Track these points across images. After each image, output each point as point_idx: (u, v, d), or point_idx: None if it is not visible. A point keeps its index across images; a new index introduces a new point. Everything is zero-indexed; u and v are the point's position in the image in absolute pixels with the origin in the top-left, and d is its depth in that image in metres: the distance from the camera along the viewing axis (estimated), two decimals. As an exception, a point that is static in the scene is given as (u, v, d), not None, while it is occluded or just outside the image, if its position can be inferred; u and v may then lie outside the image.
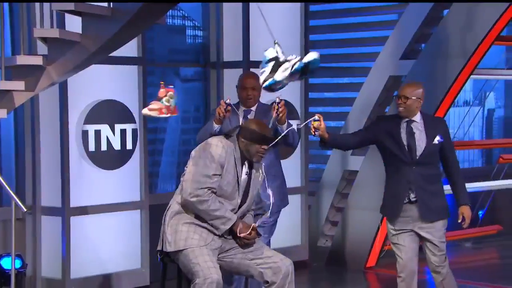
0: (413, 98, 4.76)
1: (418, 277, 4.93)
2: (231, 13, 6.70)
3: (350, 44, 8.19)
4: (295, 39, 6.97)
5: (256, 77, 4.85)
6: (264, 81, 4.22)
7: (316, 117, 4.69)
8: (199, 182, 4.18)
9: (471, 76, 6.97)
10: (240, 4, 6.62)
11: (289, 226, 6.74)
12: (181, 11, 6.98)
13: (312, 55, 4.23)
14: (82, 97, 5.79)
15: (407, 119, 4.83)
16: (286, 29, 6.91)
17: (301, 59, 4.17)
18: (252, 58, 6.64)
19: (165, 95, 4.30)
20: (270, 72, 4.17)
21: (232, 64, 6.68)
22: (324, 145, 4.80)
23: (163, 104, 4.29)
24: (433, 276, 4.97)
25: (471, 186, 7.95)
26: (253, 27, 6.64)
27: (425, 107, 6.86)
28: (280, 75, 4.16)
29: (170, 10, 6.59)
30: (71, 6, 4.28)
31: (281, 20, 6.87)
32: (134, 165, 6.11)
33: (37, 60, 4.42)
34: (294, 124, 4.82)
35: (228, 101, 4.73)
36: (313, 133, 4.69)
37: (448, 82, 6.82)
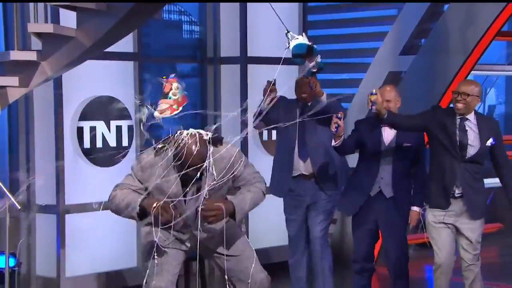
0: (473, 95, 4.83)
1: (419, 276, 4.99)
2: (228, 8, 6.69)
3: (349, 39, 8.18)
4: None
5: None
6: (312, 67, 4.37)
7: (374, 91, 4.72)
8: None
9: (472, 72, 6.96)
10: (237, -1, 6.61)
11: (274, 227, 6.70)
12: (177, 6, 6.97)
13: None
14: (77, 93, 5.78)
15: (461, 116, 4.89)
16: (285, 24, 6.89)
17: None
18: (249, 54, 6.64)
19: (170, 89, 4.23)
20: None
21: (230, 60, 6.67)
22: (380, 121, 4.85)
23: (171, 100, 4.22)
24: (463, 275, 5.03)
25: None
26: (251, 22, 6.63)
27: (425, 103, 6.89)
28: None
29: (167, 5, 6.58)
30: (66, 0, 4.27)
31: (279, 15, 6.85)
32: (130, 162, 6.08)
33: (31, 56, 4.40)
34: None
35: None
36: (369, 107, 4.74)
37: (449, 78, 6.82)
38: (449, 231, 4.92)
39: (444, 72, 6.85)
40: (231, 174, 3.92)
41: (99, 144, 5.87)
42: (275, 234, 6.57)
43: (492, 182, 8.09)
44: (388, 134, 5.07)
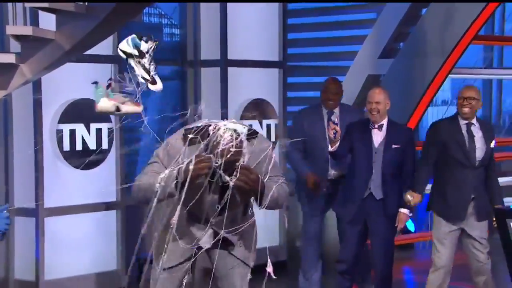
0: (477, 99, 4.98)
1: (400, 277, 5.06)
2: (208, 11, 6.68)
3: (328, 43, 8.21)
4: (273, 37, 6.97)
5: (339, 84, 5.43)
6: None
7: (335, 121, 4.97)
8: None
9: (449, 75, 7.02)
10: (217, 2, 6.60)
11: (267, 227, 6.72)
12: (157, 9, 6.95)
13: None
14: (57, 96, 5.74)
15: (467, 122, 5.00)
16: (264, 27, 6.91)
17: (148, 81, 3.97)
18: (230, 56, 6.63)
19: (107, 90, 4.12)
20: (128, 52, 4.01)
21: (210, 63, 6.66)
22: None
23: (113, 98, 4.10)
24: (476, 275, 5.16)
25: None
26: (231, 25, 6.62)
27: (404, 106, 6.94)
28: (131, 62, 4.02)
29: (147, 8, 6.55)
30: (45, 3, 4.24)
31: (259, 18, 6.87)
32: (110, 165, 6.07)
33: (10, 58, 4.36)
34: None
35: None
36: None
37: (427, 81, 6.87)
38: (456, 234, 5.05)
39: (422, 76, 6.90)
40: (264, 172, 3.55)
41: (78, 147, 5.84)
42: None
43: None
44: (378, 136, 5.10)
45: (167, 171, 3.43)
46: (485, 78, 8.59)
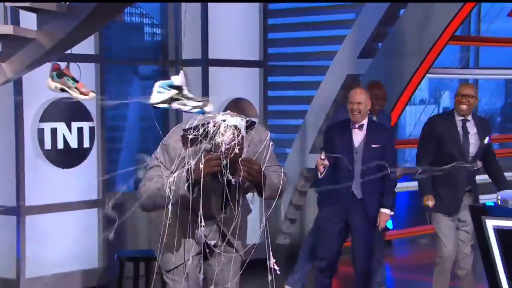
0: (475, 96, 5.08)
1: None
2: (189, 10, 6.66)
3: (308, 42, 8.21)
4: (254, 37, 6.97)
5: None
6: (158, 103, 4.02)
7: (322, 156, 4.97)
8: None
9: (427, 75, 7.05)
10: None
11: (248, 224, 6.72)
12: (139, 9, 6.92)
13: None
14: (38, 95, 5.70)
15: (462, 118, 5.09)
16: (245, 27, 6.91)
17: (201, 107, 3.95)
18: (210, 56, 6.63)
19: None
20: (168, 98, 3.97)
21: (191, 62, 6.65)
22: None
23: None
24: (459, 267, 5.29)
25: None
26: (212, 24, 6.62)
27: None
28: (176, 106, 3.99)
29: (128, 8, 6.52)
30: (26, 2, 4.20)
31: (240, 18, 6.86)
32: (91, 163, 6.04)
33: (-9, 57, 4.32)
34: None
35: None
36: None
37: (405, 80, 6.90)
38: (456, 224, 5.17)
39: (401, 75, 6.93)
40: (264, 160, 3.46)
41: (60, 145, 5.80)
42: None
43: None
44: (358, 136, 5.11)
45: (175, 174, 3.33)
46: (461, 78, 8.64)
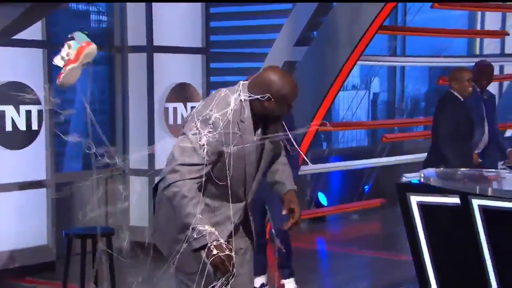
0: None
1: (312, 247, 5.07)
2: (134, -1, 6.56)
3: (248, 31, 8.19)
4: (196, 25, 6.90)
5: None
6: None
7: None
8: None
9: (358, 62, 7.11)
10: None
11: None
12: (85, -4, 6.75)
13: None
14: (-14, 79, 5.52)
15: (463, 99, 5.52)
16: (188, 16, 6.83)
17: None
18: (155, 42, 6.54)
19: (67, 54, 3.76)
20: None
21: (136, 49, 6.55)
22: None
23: (67, 61, 3.74)
24: None
25: (357, 163, 8.16)
26: (156, 11, 6.53)
27: (317, 90, 6.99)
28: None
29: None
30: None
31: (183, 7, 6.78)
32: (39, 145, 5.90)
33: None
34: None
35: None
36: None
37: (337, 67, 6.94)
38: None
39: (334, 62, 6.97)
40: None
41: (8, 127, 5.64)
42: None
43: (375, 161, 8.36)
44: None
45: (209, 231, 2.84)
46: (389, 65, 8.75)
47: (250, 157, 3.05)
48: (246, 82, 3.09)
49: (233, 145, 2.94)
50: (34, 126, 5.82)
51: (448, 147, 5.22)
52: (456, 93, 5.49)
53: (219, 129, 2.92)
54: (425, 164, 5.47)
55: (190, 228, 2.85)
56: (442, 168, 4.93)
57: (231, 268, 2.87)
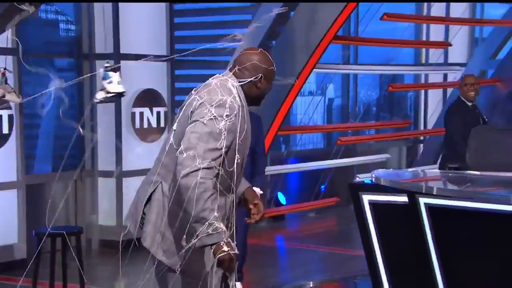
0: (479, 84, 5.78)
1: (272, 244, 5.09)
2: (101, 7, 6.55)
3: (211, 40, 8.22)
4: (161, 34, 6.93)
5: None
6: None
7: None
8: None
9: (314, 69, 7.21)
10: None
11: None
12: (54, 6, 6.72)
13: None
14: (-42, 85, 5.44)
15: (472, 103, 5.76)
16: (153, 25, 6.85)
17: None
18: (122, 50, 6.54)
19: None
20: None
21: (104, 56, 6.54)
22: None
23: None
24: None
25: (314, 165, 8.26)
26: (122, 21, 6.54)
27: (276, 96, 7.07)
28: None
29: (44, 5, 6.32)
30: None
31: (148, 17, 6.80)
32: (10, 147, 5.85)
33: None
34: None
35: None
36: None
37: (295, 74, 7.02)
38: None
39: (292, 70, 7.05)
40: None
41: (-20, 131, 5.59)
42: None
43: (330, 163, 8.48)
44: None
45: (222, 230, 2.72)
46: (343, 73, 8.88)
47: (247, 144, 2.97)
48: (229, 72, 3.05)
49: (243, 130, 2.87)
50: (5, 130, 5.77)
51: (464, 146, 5.16)
52: (462, 98, 5.87)
53: (235, 112, 2.85)
54: (443, 159, 5.88)
55: (206, 223, 2.70)
56: (458, 165, 5.11)
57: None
